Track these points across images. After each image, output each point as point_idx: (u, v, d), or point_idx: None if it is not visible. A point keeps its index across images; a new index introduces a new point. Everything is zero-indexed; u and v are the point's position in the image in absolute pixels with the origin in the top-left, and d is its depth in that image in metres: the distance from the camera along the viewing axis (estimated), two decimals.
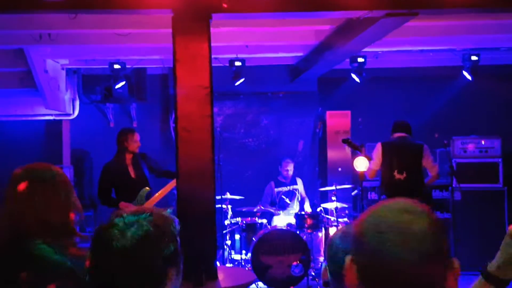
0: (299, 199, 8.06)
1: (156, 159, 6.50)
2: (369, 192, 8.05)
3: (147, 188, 6.15)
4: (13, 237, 1.92)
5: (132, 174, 6.19)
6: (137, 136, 6.25)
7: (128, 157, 6.23)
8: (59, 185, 2.04)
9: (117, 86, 7.72)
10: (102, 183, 6.20)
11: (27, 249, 1.88)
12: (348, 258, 1.28)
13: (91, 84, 8.44)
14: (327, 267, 1.87)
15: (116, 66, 7.42)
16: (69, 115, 8.39)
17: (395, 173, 6.31)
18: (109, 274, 1.44)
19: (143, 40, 6.58)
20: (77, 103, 8.46)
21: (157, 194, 6.11)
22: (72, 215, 2.01)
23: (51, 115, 8.26)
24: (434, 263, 1.19)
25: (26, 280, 1.83)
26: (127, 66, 7.59)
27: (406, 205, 1.26)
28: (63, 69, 8.00)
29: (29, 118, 8.30)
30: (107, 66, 7.52)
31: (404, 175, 6.30)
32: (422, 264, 1.17)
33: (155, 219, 1.48)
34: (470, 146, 7.87)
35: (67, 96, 8.26)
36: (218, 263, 5.36)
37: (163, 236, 1.47)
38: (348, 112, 8.64)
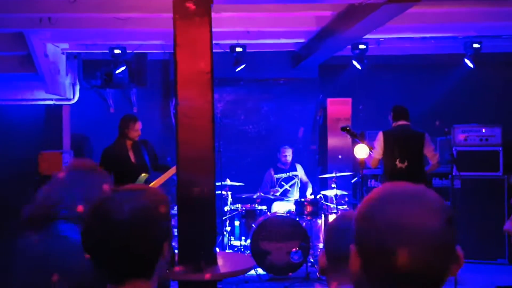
0: (299, 185, 8.07)
1: (155, 152, 6.50)
2: (369, 180, 8.06)
3: (146, 174, 6.16)
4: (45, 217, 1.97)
5: (132, 159, 6.21)
6: (138, 125, 6.25)
7: (129, 142, 6.25)
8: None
9: (118, 71, 7.70)
10: (102, 167, 6.21)
11: (56, 229, 1.92)
12: (352, 246, 1.24)
13: (91, 69, 8.40)
14: (324, 252, 1.86)
15: (117, 51, 7.39)
16: (69, 100, 8.36)
17: (397, 162, 6.33)
18: (107, 247, 1.46)
19: (143, 24, 6.55)
20: (77, 88, 8.43)
21: (156, 180, 6.11)
22: None
23: (51, 99, 8.23)
24: (442, 258, 1.16)
25: None
26: (128, 51, 7.56)
27: (417, 197, 1.20)
28: (63, 53, 7.96)
29: (29, 103, 8.27)
30: (107, 51, 7.49)
31: (406, 163, 6.31)
32: (429, 260, 1.14)
33: (149, 195, 1.53)
34: (471, 135, 7.86)
35: (67, 81, 8.23)
36: (217, 249, 5.37)
37: (158, 211, 1.51)
38: (349, 100, 8.62)
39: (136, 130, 6.24)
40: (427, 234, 1.14)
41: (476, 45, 7.67)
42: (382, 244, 1.15)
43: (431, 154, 6.44)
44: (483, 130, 7.83)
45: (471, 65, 7.93)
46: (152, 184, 6.09)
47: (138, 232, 1.46)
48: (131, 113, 6.62)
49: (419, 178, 6.26)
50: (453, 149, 7.61)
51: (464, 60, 7.95)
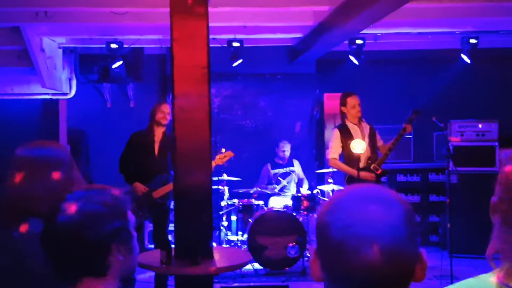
0: (296, 181, 8.07)
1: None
2: None
3: (165, 173, 6.11)
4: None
5: (156, 152, 6.12)
6: (165, 107, 6.11)
7: (158, 133, 6.13)
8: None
9: (114, 65, 7.67)
10: (125, 150, 6.19)
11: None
12: (312, 250, 1.21)
13: (88, 64, 8.38)
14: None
15: (113, 46, 7.36)
16: (65, 94, 8.35)
17: None
18: (51, 246, 1.55)
19: (140, 19, 6.53)
20: (74, 82, 8.41)
21: (162, 188, 6.04)
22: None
23: (48, 94, 8.22)
24: (403, 257, 1.11)
25: None
26: (125, 46, 7.53)
27: (374, 194, 1.16)
28: (60, 48, 7.93)
29: (26, 97, 8.26)
30: (104, 46, 7.47)
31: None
32: (390, 259, 1.08)
33: (103, 196, 1.58)
34: (467, 130, 7.87)
35: (64, 75, 8.21)
36: (214, 244, 5.38)
37: (107, 213, 1.55)
38: None
39: (162, 111, 6.07)
40: (384, 231, 1.10)
41: (473, 41, 7.67)
42: (340, 242, 1.11)
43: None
44: (480, 126, 7.84)
45: (468, 60, 7.93)
46: (166, 186, 6.00)
47: (76, 234, 1.51)
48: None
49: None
50: (450, 144, 7.62)
51: (461, 55, 7.96)
